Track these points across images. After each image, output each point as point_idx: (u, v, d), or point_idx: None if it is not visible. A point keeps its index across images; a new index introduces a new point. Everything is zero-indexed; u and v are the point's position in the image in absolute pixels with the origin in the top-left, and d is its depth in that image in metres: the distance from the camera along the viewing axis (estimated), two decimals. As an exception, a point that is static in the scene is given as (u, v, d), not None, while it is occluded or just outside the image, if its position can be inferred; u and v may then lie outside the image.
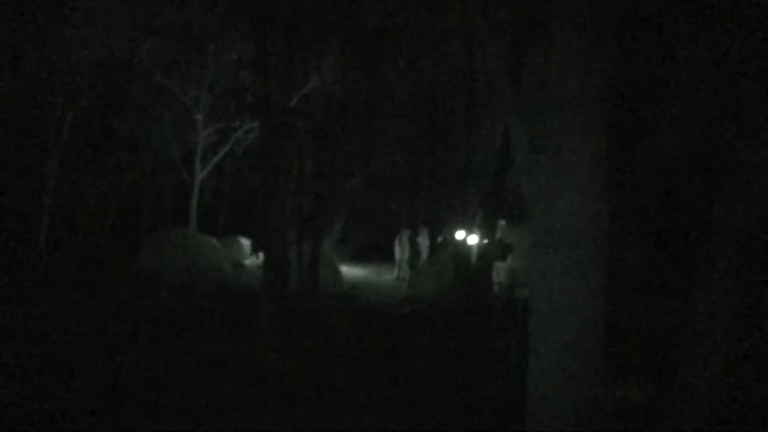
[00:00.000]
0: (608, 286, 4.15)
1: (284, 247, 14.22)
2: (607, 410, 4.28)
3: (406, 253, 21.23)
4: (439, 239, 21.94)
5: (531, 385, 4.18)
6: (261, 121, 14.74)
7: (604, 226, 4.08)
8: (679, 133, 7.99)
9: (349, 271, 21.63)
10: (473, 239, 16.94)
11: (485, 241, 15.90)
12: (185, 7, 16.15)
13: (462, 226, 17.13)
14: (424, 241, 21.86)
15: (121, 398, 7.30)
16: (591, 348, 3.98)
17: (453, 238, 17.25)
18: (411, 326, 13.15)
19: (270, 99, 13.52)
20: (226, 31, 16.94)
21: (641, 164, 9.47)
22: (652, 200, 10.03)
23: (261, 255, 23.46)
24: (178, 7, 16.04)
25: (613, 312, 4.34)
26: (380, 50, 15.87)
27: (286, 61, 14.20)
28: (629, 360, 7.98)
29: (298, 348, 10.39)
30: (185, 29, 17.13)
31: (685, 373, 4.76)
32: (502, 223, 17.92)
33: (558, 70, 4.14)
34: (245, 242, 24.04)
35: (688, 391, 4.68)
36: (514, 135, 4.69)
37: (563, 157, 4.07)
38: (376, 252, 26.96)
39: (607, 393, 4.25)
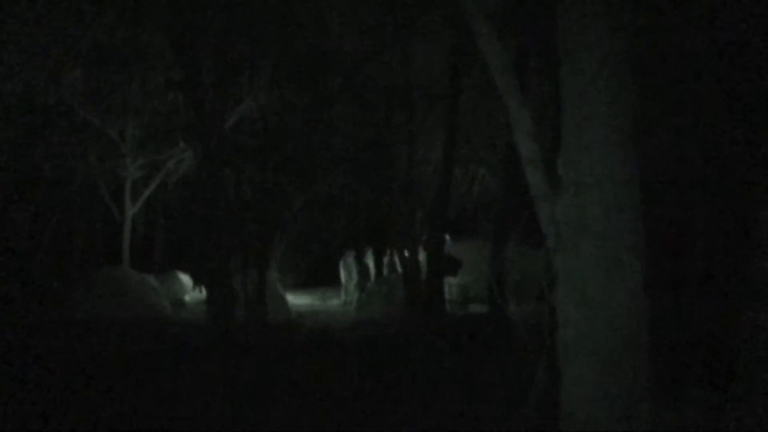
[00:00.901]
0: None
1: (228, 279, 13.55)
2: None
3: (353, 276, 20.67)
4: (385, 259, 21.48)
5: (567, 410, 3.58)
6: (196, 147, 14.16)
7: (639, 219, 3.55)
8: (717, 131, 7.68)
9: (294, 299, 20.92)
10: (421, 257, 16.57)
11: (433, 257, 15.56)
12: (107, 32, 15.31)
13: (408, 244, 16.75)
14: (369, 262, 21.37)
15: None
16: (634, 360, 3.42)
17: (402, 256, 16.78)
18: (371, 353, 12.43)
19: (204, 123, 12.95)
20: (152, 55, 16.14)
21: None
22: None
23: (203, 289, 22.68)
24: (100, 33, 15.19)
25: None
26: (314, 70, 15.42)
27: (218, 84, 13.61)
28: (678, 372, 7.27)
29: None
30: (107, 56, 16.26)
31: (745, 388, 4.25)
32: (447, 238, 17.62)
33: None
34: (184, 277, 23.15)
35: (751, 409, 4.18)
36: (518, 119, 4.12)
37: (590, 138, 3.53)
38: (321, 277, 26.32)
39: (655, 413, 3.64)
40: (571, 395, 3.54)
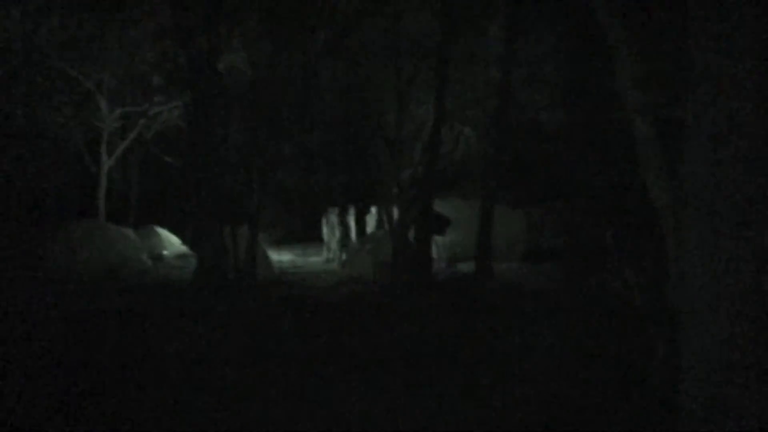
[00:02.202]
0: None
1: (219, 237, 13.26)
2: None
3: (336, 233, 20.41)
4: (367, 218, 21.26)
5: (691, 385, 3.32)
6: (184, 93, 13.77)
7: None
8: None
9: (276, 255, 20.63)
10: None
11: (422, 215, 15.34)
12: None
13: (395, 201, 16.52)
14: (350, 219, 21.11)
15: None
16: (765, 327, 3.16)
17: (388, 214, 16.55)
18: (377, 313, 12.01)
19: (194, 68, 12.58)
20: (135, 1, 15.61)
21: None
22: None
23: (183, 245, 22.36)
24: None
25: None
26: (302, 20, 14.98)
27: (208, 28, 13.15)
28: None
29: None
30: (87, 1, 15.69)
31: None
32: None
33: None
34: (162, 232, 22.66)
35: None
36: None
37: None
38: (301, 234, 25.95)
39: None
40: (698, 367, 3.28)
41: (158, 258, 20.65)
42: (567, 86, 14.06)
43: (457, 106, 17.32)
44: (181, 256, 21.46)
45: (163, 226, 23.24)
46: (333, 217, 20.89)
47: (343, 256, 19.43)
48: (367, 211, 21.70)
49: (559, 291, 13.02)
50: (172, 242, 22.60)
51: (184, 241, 22.64)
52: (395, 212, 16.93)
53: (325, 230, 21.18)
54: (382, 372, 7.50)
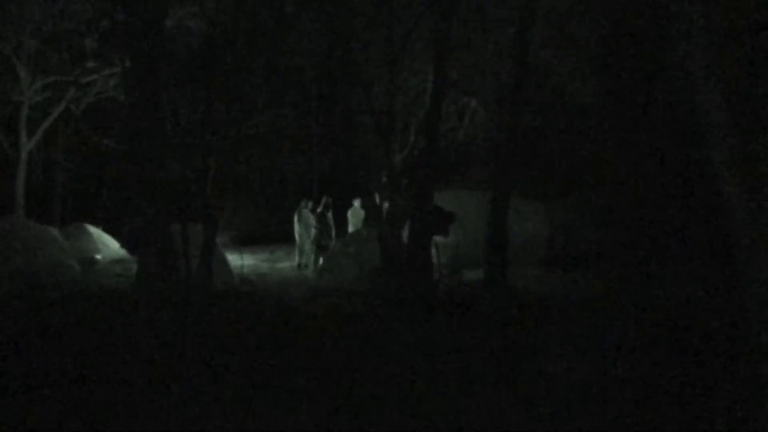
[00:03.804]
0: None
1: (167, 237, 12.86)
2: None
3: (311, 233, 19.88)
4: (351, 210, 20.83)
5: None
6: (124, 56, 13.39)
7: None
8: None
9: (235, 259, 20.08)
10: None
11: (418, 209, 14.83)
12: None
13: (385, 192, 16.09)
14: (328, 214, 20.64)
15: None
16: None
17: (375, 208, 16.12)
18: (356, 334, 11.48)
19: (136, 24, 12.18)
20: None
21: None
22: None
23: (121, 248, 21.91)
24: None
25: None
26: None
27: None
28: None
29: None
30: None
31: None
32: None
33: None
34: (95, 231, 22.24)
35: None
36: None
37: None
38: (266, 233, 25.70)
39: None
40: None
41: (90, 263, 20.13)
42: (603, 46, 13.61)
43: (462, 73, 16.91)
44: (118, 261, 20.81)
45: (96, 224, 22.86)
46: (307, 212, 20.41)
47: (320, 261, 18.96)
48: (349, 204, 21.27)
49: (601, 311, 12.38)
50: (107, 244, 22.21)
51: (123, 242, 21.99)
52: (385, 206, 16.54)
53: (297, 228, 20.66)
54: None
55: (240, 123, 15.04)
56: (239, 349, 10.00)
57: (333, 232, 20.15)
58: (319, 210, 20.03)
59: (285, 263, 21.75)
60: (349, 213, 21.14)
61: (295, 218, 20.85)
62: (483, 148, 18.94)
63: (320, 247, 19.49)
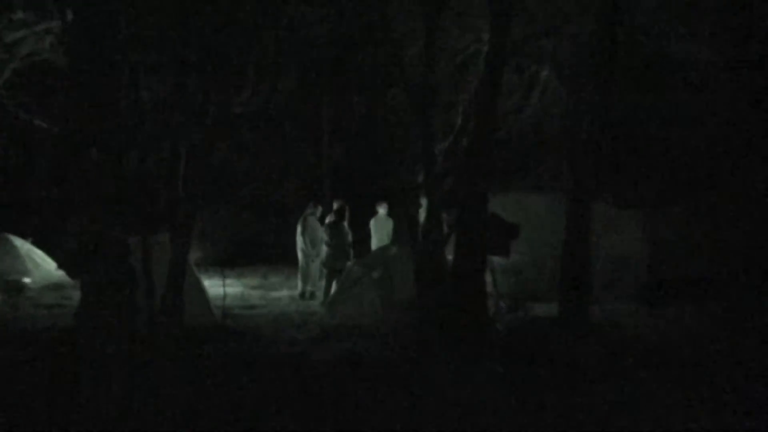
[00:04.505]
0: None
1: (124, 254, 12.75)
2: None
3: (321, 250, 19.84)
4: (373, 220, 20.83)
5: None
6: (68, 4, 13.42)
7: None
8: None
9: (214, 287, 20.14)
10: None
11: (468, 220, 14.78)
12: None
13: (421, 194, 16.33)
14: (345, 226, 20.72)
15: None
16: None
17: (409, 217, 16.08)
18: None
19: None
20: None
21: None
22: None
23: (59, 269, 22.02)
24: None
25: None
26: None
27: None
28: None
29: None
30: None
31: None
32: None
33: None
34: (24, 246, 22.76)
35: None
36: None
37: None
38: (257, 252, 26.01)
39: None
40: None
41: (16, 290, 20.47)
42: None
43: (526, 33, 16.85)
44: (54, 288, 21.29)
45: (24, 235, 23.31)
46: (314, 220, 20.41)
47: (332, 290, 18.93)
48: (372, 211, 21.28)
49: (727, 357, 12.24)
50: (39, 264, 22.62)
51: (60, 261, 22.50)
52: (421, 214, 16.49)
53: (300, 244, 20.60)
54: None
55: (223, 98, 15.00)
56: (219, 417, 10.05)
57: (350, 250, 20.14)
58: (330, 218, 20.00)
59: (283, 291, 21.85)
60: (372, 223, 21.20)
61: (299, 229, 20.80)
62: (558, 136, 18.81)
63: (332, 270, 19.44)
